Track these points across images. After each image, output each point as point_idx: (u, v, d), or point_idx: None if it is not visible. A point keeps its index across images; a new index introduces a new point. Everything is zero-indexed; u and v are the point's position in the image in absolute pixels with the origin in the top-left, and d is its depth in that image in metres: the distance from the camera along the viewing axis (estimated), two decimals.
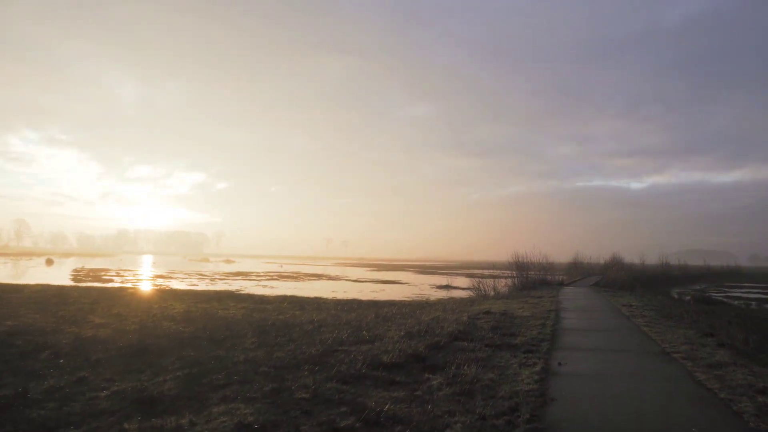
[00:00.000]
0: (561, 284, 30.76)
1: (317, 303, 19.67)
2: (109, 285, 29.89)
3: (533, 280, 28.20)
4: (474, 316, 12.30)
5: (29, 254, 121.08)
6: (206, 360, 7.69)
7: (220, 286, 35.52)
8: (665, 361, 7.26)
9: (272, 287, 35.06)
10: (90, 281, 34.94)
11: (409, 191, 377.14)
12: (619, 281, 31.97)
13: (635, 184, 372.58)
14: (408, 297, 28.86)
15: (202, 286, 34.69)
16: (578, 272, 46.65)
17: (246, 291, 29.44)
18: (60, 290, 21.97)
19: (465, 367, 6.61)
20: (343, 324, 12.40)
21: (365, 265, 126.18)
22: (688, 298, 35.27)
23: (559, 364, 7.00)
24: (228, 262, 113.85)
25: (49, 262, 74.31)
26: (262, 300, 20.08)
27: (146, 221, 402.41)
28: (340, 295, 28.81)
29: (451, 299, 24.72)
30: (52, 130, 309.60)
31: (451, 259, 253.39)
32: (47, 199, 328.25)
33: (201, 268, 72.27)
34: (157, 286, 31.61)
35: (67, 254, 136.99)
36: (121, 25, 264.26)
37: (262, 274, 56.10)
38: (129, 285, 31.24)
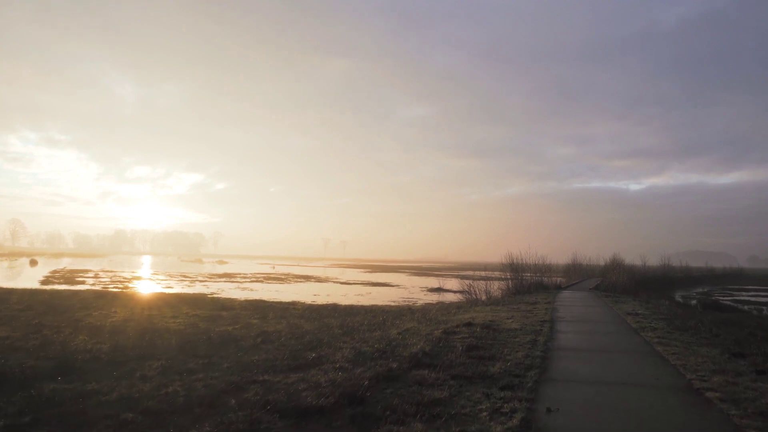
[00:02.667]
0: (558, 287, 28.69)
1: (285, 309, 17.57)
2: (74, 287, 27.78)
3: (528, 283, 26.13)
4: (451, 330, 10.21)
5: (22, 254, 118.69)
6: (63, 399, 5.60)
7: (197, 288, 33.46)
8: (697, 404, 5.18)
9: (252, 290, 32.94)
10: (58, 283, 32.79)
11: (408, 192, 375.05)
12: (621, 284, 29.92)
13: (633, 186, 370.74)
14: (393, 301, 26.77)
15: (177, 288, 32.62)
16: (577, 274, 44.58)
17: (220, 294, 27.35)
18: (5, 294, 19.85)
19: (408, 421, 4.52)
20: (294, 338, 10.32)
21: (361, 266, 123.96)
22: (694, 302, 33.23)
23: (548, 410, 4.92)
24: (221, 262, 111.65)
25: (33, 262, 72.05)
26: (224, 306, 17.95)
27: (145, 221, 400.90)
28: (321, 299, 26.77)
29: (439, 304, 22.64)
30: (52, 130, 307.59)
31: (449, 261, 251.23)
32: (46, 199, 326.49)
33: (191, 269, 70.17)
34: (124, 288, 29.51)
35: (59, 255, 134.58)
36: (121, 26, 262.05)
37: (249, 275, 53.97)
38: (97, 287, 29.15)
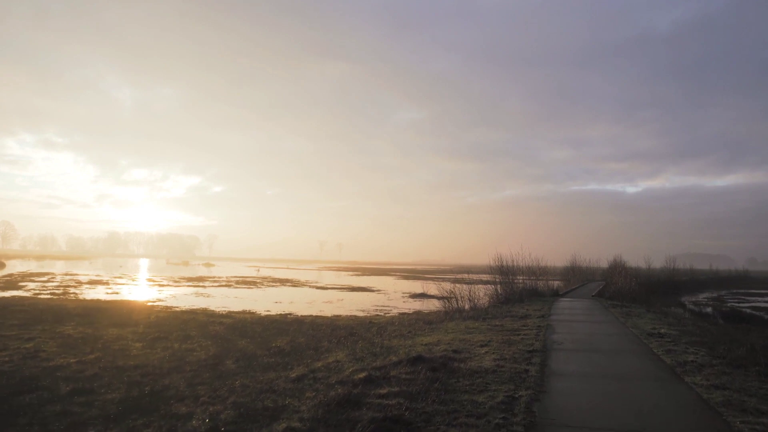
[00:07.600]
0: (556, 294, 24.90)
1: (205, 325, 13.74)
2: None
3: (520, 289, 22.32)
4: (383, 374, 6.41)
5: (9, 257, 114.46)
6: None
7: (152, 293, 29.65)
8: None
9: (208, 296, 29.07)
10: None
11: (405, 195, 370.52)
12: (628, 290, 26.08)
13: (630, 189, 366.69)
14: (363, 310, 22.92)
15: (126, 294, 28.79)
16: (576, 278, 40.79)
17: (165, 302, 23.56)
18: None
19: None
20: (134, 384, 6.54)
21: (352, 269, 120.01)
22: (708, 310, 29.50)
23: None
24: (207, 265, 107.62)
25: (0, 265, 68.06)
26: (124, 322, 14.10)
27: (142, 224, 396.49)
28: (281, 307, 23.00)
29: (414, 314, 18.86)
30: (49, 133, 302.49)
31: (446, 263, 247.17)
32: (43, 201, 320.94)
33: (169, 272, 66.19)
34: (61, 294, 25.64)
35: (42, 257, 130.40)
36: (118, 30, 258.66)
37: (222, 279, 50.05)
38: (25, 294, 25.39)
